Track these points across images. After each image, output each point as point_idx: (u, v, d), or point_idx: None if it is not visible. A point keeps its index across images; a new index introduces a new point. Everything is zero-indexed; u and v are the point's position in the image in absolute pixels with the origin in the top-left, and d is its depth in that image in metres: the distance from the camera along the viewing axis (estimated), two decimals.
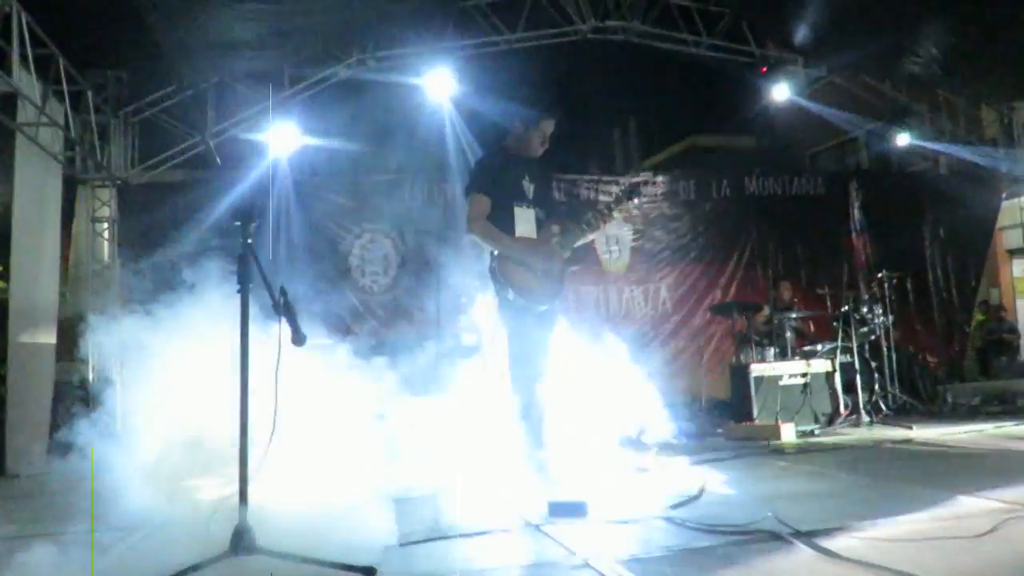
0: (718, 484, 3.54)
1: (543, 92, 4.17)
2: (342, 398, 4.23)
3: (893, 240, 10.55)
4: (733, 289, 9.83)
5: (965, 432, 5.10)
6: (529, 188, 3.87)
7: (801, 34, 10.62)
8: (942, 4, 8.94)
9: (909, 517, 2.59)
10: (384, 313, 9.16)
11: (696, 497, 3.21)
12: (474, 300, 6.00)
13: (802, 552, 2.24)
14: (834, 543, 2.28)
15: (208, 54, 7.86)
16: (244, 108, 8.79)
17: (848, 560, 2.09)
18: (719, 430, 5.54)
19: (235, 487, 2.41)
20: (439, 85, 9.02)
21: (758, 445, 4.90)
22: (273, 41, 8.15)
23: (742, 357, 6.67)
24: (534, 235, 3.80)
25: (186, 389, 3.86)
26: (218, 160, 8.72)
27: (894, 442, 4.88)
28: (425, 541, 2.63)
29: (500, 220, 3.75)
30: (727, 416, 6.02)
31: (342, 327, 8.22)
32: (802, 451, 4.61)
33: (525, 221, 3.80)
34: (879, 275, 7.18)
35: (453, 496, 3.37)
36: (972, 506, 2.73)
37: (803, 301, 8.07)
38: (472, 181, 3.89)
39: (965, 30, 9.29)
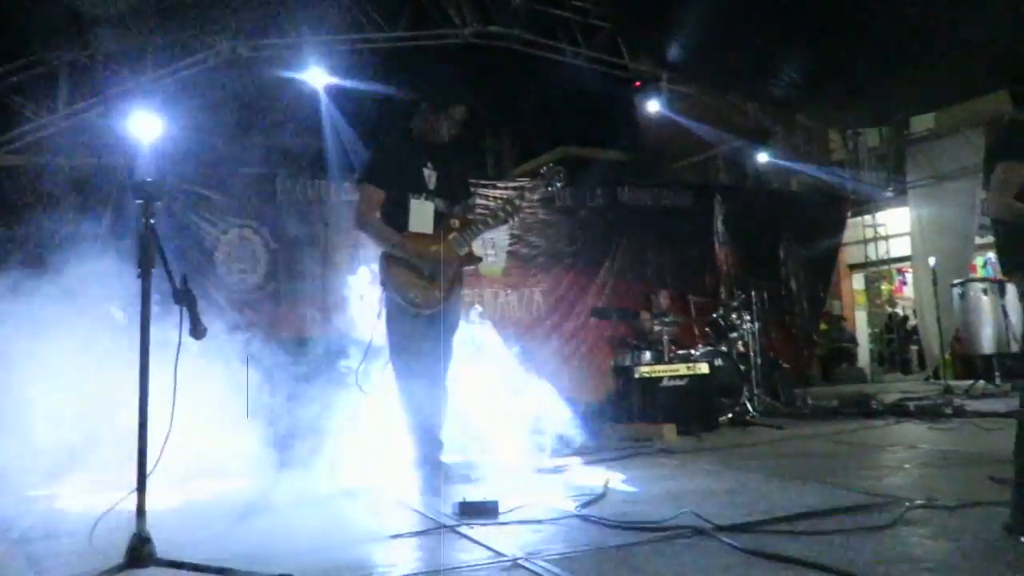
0: (619, 483, 3.55)
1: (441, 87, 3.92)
2: (221, 398, 3.99)
3: (752, 252, 11.08)
4: (604, 296, 10.03)
5: (840, 431, 5.38)
6: (430, 177, 3.66)
7: (672, 52, 11.03)
8: (801, 35, 9.50)
9: (814, 511, 2.66)
10: (251, 312, 8.72)
11: (602, 496, 3.20)
12: (350, 298, 5.83)
13: (727, 546, 2.25)
14: (756, 539, 2.31)
15: (63, 27, 7.25)
16: (103, 90, 8.16)
17: (775, 558, 2.11)
18: (604, 431, 5.59)
19: (111, 494, 2.19)
20: (314, 79, 8.74)
21: (644, 445, 4.98)
22: (136, 19, 7.62)
23: (622, 360, 6.79)
24: (430, 229, 3.61)
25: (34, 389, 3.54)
26: (71, 144, 8.05)
27: (772, 440, 5.09)
28: (333, 548, 2.47)
29: (393, 213, 3.56)
30: (607, 418, 6.08)
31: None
32: (688, 451, 4.71)
33: (421, 215, 3.59)
34: (748, 283, 7.49)
35: (360, 498, 3.21)
36: (866, 499, 2.84)
37: (676, 307, 8.32)
38: (363, 170, 3.67)
39: (822, 60, 9.90)
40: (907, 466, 3.75)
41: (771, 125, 13.41)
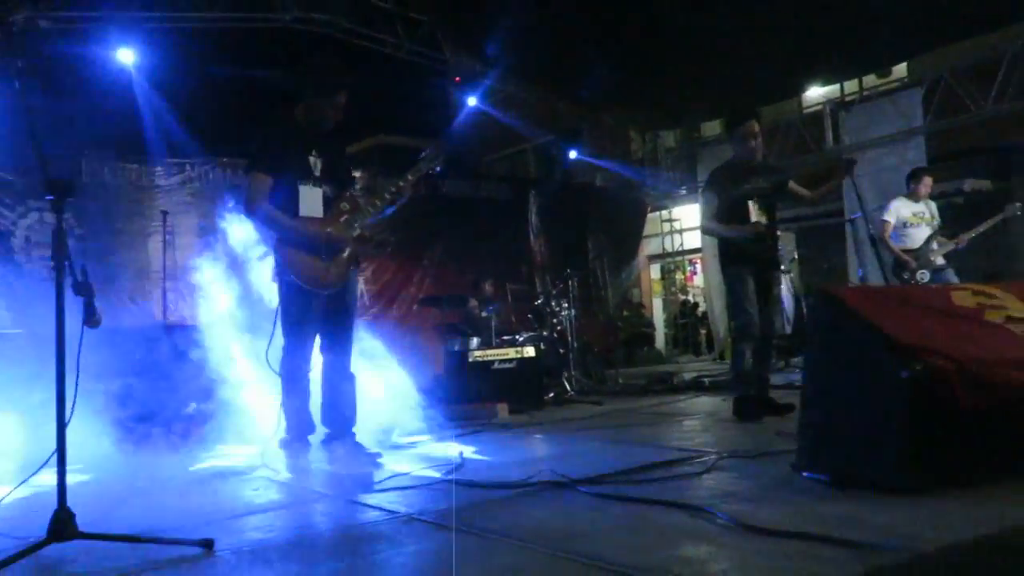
0: (472, 454, 3.93)
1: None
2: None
3: (564, 244, 11.85)
4: (427, 284, 10.38)
5: (650, 404, 6.08)
6: (316, 164, 3.77)
7: (490, 49, 11.52)
8: (609, 41, 10.29)
9: (646, 464, 3.18)
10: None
11: (461, 465, 3.57)
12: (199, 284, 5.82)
13: (584, 494, 2.69)
14: (606, 488, 2.77)
15: None
16: None
17: (622, 499, 2.57)
18: (442, 411, 5.94)
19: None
20: (123, 56, 8.39)
21: (483, 423, 5.40)
22: None
23: (452, 345, 7.18)
24: (320, 214, 3.73)
25: None
26: None
27: (594, 414, 5.69)
28: (246, 515, 2.67)
29: (283, 199, 3.65)
30: (442, 399, 6.44)
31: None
32: (523, 425, 5.19)
33: (310, 200, 3.70)
34: (566, 273, 8.12)
35: (237, 476, 3.36)
36: (684, 454, 3.41)
37: (498, 295, 8.81)
38: (252, 159, 3.73)
39: (626, 65, 10.76)
40: (711, 429, 4.43)
41: (580, 123, 14.28)
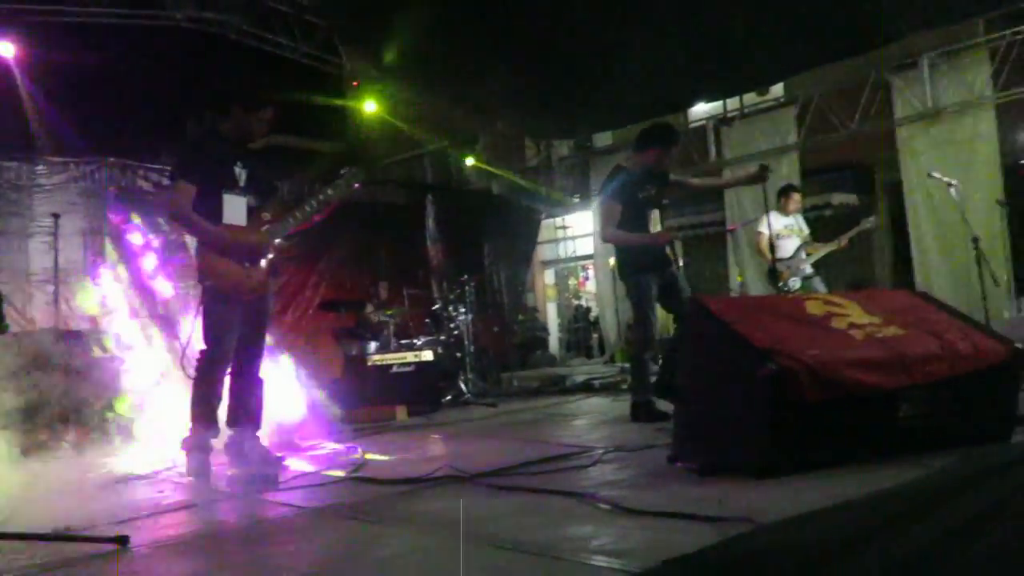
0: (374, 454, 4.09)
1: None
2: None
3: (460, 249, 12.06)
4: (324, 287, 10.39)
5: (544, 405, 6.36)
6: (241, 174, 3.87)
7: (387, 56, 11.62)
8: (505, 50, 10.57)
9: (539, 459, 3.44)
10: None
11: (363, 464, 3.74)
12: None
13: (482, 486, 2.92)
14: (503, 480, 3.00)
15: None
16: None
17: (516, 489, 2.81)
18: (342, 414, 6.05)
19: None
20: (2, 49, 8.11)
21: (382, 425, 5.55)
22: None
23: (350, 349, 7.29)
24: (243, 223, 3.83)
25: None
26: None
27: (491, 415, 5.93)
28: (156, 515, 2.76)
29: (207, 208, 3.73)
30: (340, 402, 6.54)
31: None
32: (422, 426, 5.38)
33: (234, 209, 3.80)
34: (463, 278, 8.34)
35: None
36: (573, 449, 3.68)
37: (395, 300, 8.94)
38: (177, 167, 3.84)
39: (521, 75, 11.05)
40: (599, 427, 4.73)
41: (476, 131, 14.55)
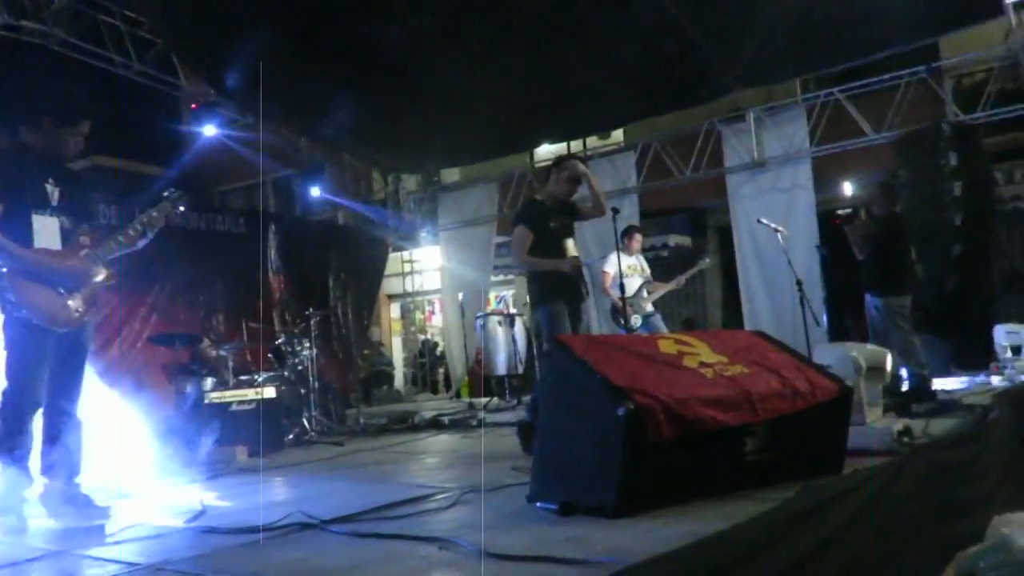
0: (214, 499, 3.81)
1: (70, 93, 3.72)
2: None
3: (304, 280, 11.72)
4: (154, 321, 9.74)
5: (392, 443, 6.20)
6: (53, 193, 3.50)
7: (228, 81, 11.21)
8: (351, 82, 10.44)
9: (393, 502, 3.32)
10: None
11: (202, 512, 3.46)
12: None
13: (335, 534, 2.77)
14: (358, 526, 2.87)
15: None
16: None
17: (374, 535, 2.69)
18: (175, 456, 5.63)
19: None
20: None
21: (220, 467, 5.21)
22: None
23: (183, 386, 6.83)
24: (58, 246, 3.47)
25: None
26: None
27: (338, 455, 5.71)
28: None
29: (15, 229, 3.35)
30: (172, 444, 6.10)
31: None
32: (266, 468, 5.09)
33: (47, 231, 3.44)
34: (307, 312, 8.06)
35: None
36: (428, 490, 3.59)
37: (234, 334, 8.51)
38: None
39: (368, 108, 10.98)
40: (452, 465, 4.66)
41: (322, 160, 14.25)
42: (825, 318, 8.73)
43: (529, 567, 2.19)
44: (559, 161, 5.18)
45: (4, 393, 3.40)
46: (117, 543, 2.89)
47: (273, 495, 3.98)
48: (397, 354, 16.32)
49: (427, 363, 15.62)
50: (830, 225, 10.43)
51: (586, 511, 2.77)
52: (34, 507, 3.48)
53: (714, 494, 2.87)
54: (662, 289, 8.10)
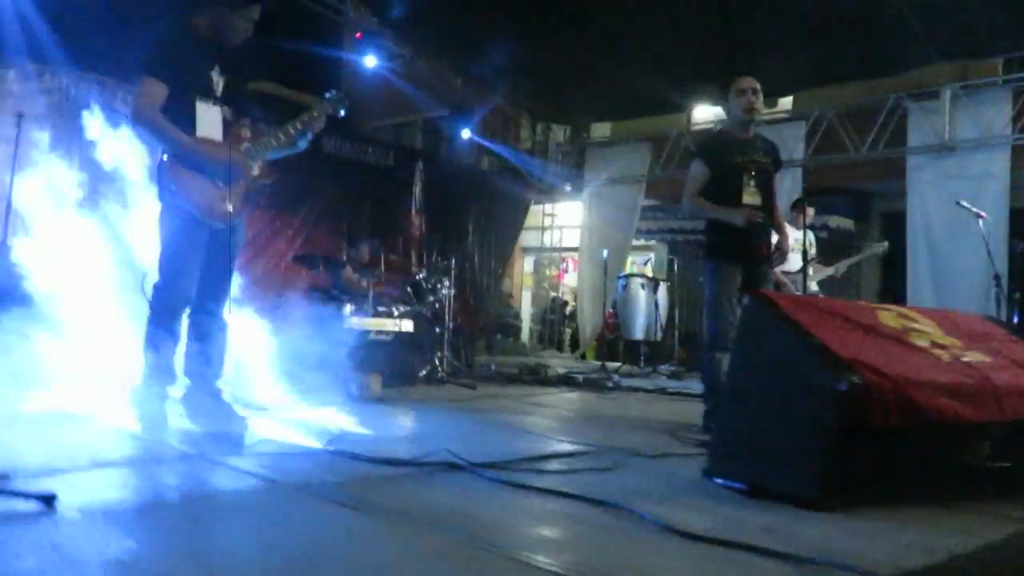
0: (352, 426, 3.60)
1: None
2: None
3: (445, 222, 11.59)
4: (299, 242, 9.83)
5: (525, 394, 5.91)
6: (219, 81, 3.30)
7: (394, 10, 11.07)
8: (515, 24, 10.09)
9: (544, 455, 3.00)
10: None
11: (341, 436, 3.25)
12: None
13: (485, 479, 2.47)
14: (507, 475, 2.55)
15: None
16: None
17: (530, 488, 2.37)
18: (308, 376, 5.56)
19: None
20: None
21: (356, 393, 5.06)
22: None
23: (326, 310, 6.76)
24: (219, 137, 3.27)
25: None
26: None
27: (471, 397, 5.47)
28: (92, 468, 2.27)
29: (178, 114, 3.16)
30: (309, 365, 6.03)
31: None
32: (400, 400, 4.90)
33: (210, 120, 3.24)
34: (448, 254, 7.87)
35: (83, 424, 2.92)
36: (582, 448, 3.25)
37: (376, 265, 8.43)
38: (147, 60, 3.18)
39: (528, 53, 10.62)
40: (596, 425, 4.28)
41: (474, 102, 14.01)
42: (1016, 320, 7.78)
43: (723, 553, 1.81)
44: (724, 80, 4.29)
45: (156, 287, 3.26)
46: (255, 455, 2.70)
47: (411, 428, 3.76)
48: (525, 308, 16.07)
49: (555, 320, 15.30)
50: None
51: (777, 497, 2.35)
52: (175, 405, 3.37)
53: (927, 499, 2.39)
54: (824, 272, 7.40)
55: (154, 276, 3.29)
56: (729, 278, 4.10)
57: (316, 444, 2.98)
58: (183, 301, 3.27)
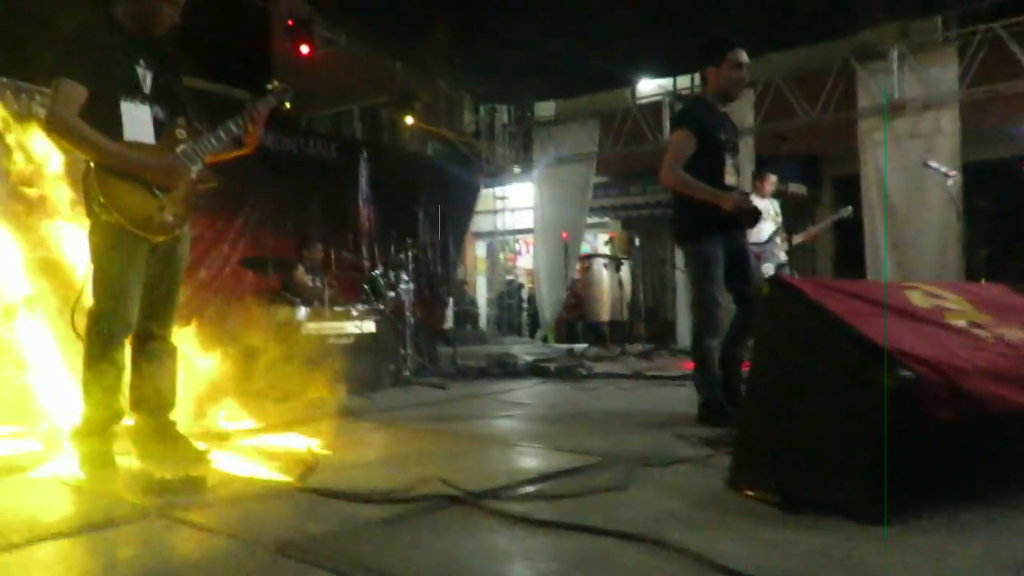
0: (323, 448, 3.25)
1: None
2: None
3: (394, 213, 11.19)
4: (243, 244, 9.35)
5: (498, 391, 5.61)
6: (145, 77, 2.90)
7: None
8: (454, 5, 9.71)
9: (547, 473, 2.71)
10: None
11: (315, 465, 2.89)
12: None
13: (494, 515, 2.16)
14: (513, 505, 2.25)
15: None
16: None
17: (550, 525, 2.06)
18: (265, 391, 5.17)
19: None
20: None
21: (320, 406, 4.70)
22: None
23: (276, 314, 6.35)
24: (151, 140, 2.88)
25: None
26: None
27: (443, 400, 5.15)
28: (28, 543, 1.90)
29: (102, 119, 2.75)
30: (263, 378, 5.64)
31: None
32: (370, 412, 4.55)
33: (139, 121, 2.84)
34: (405, 244, 7.50)
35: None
36: (584, 460, 2.96)
37: (327, 263, 8.02)
38: (58, 59, 2.77)
39: (466, 30, 10.25)
40: (588, 426, 3.97)
41: (414, 87, 13.58)
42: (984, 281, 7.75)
43: None
44: (716, 47, 3.93)
45: (90, 314, 2.85)
46: (223, 503, 2.34)
47: (390, 447, 3.43)
48: (481, 294, 15.76)
49: (513, 305, 15.02)
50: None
51: (818, 507, 2.10)
52: (123, 443, 2.98)
53: (986, 501, 2.17)
54: (796, 238, 7.26)
55: (88, 301, 2.89)
56: (715, 260, 3.90)
57: (287, 479, 2.64)
58: (122, 328, 2.87)
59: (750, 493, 2.28)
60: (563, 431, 3.84)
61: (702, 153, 3.87)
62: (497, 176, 13.66)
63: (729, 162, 3.97)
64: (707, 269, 3.89)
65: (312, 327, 5.66)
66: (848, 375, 2.09)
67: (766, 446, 2.30)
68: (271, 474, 2.77)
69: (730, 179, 3.97)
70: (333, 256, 8.10)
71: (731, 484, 2.37)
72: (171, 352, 3.11)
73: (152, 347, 3.02)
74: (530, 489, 2.45)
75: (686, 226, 4.01)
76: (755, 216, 3.90)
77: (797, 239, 7.21)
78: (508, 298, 15.03)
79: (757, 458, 2.32)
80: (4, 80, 6.90)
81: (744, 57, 3.92)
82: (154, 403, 3.02)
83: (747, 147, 10.76)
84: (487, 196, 14.21)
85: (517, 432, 3.87)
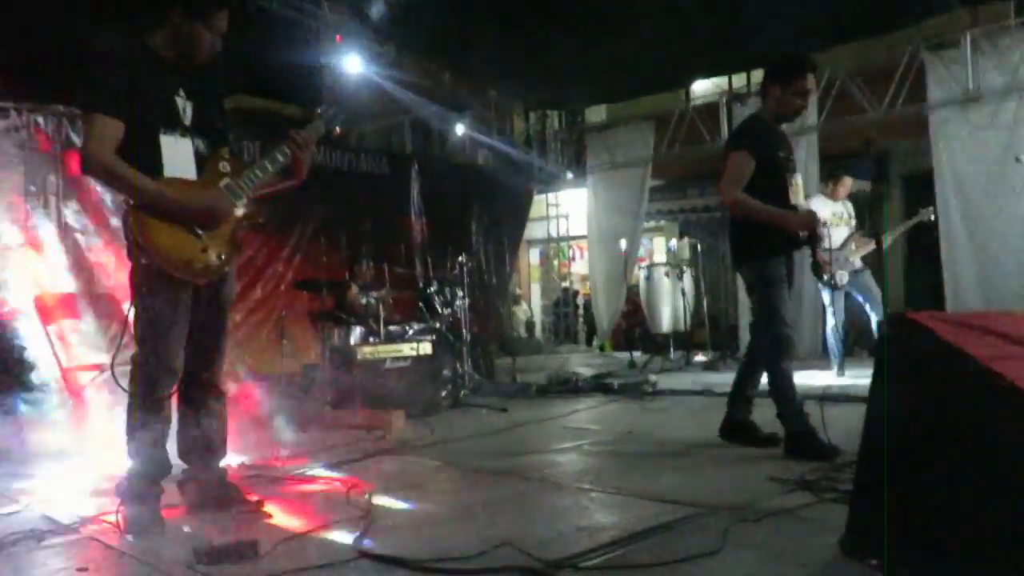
0: (383, 496, 3.02)
1: None
2: None
3: (445, 224, 11.01)
4: (296, 263, 9.26)
5: (562, 413, 5.32)
6: (185, 108, 2.74)
7: (374, 9, 10.47)
8: (500, 12, 9.51)
9: (633, 532, 2.43)
10: None
11: (373, 521, 2.66)
12: None
13: None
14: None
15: None
16: None
17: None
18: (322, 418, 4.99)
19: None
20: None
21: (374, 438, 4.49)
22: None
23: (331, 337, 6.18)
24: (192, 176, 2.72)
25: None
26: None
27: (507, 427, 4.88)
28: None
29: (138, 153, 2.59)
30: (315, 400, 5.46)
31: None
32: (428, 444, 4.32)
33: (179, 156, 2.68)
34: (460, 259, 7.30)
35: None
36: (671, 511, 2.68)
37: (380, 280, 7.86)
38: (90, 93, 2.62)
39: (515, 40, 10.05)
40: (669, 463, 3.66)
41: (466, 97, 13.43)
42: None
43: None
44: (786, 68, 3.76)
45: (134, 361, 2.68)
46: (271, 572, 2.12)
47: (454, 492, 3.18)
48: (535, 302, 15.49)
49: (569, 312, 14.70)
50: None
51: None
52: (171, 496, 2.80)
53: None
54: (867, 246, 6.83)
55: (132, 347, 2.71)
56: (780, 280, 3.75)
57: (345, 540, 2.41)
58: (168, 376, 2.68)
59: (874, 563, 1.97)
60: (639, 468, 3.55)
61: (763, 173, 3.71)
62: (550, 184, 13.43)
63: (791, 181, 3.83)
64: (775, 291, 3.73)
65: (368, 352, 5.46)
66: (1005, 438, 1.76)
67: (894, 507, 1.98)
68: (327, 531, 2.55)
69: (794, 199, 3.82)
70: (387, 271, 7.94)
71: (846, 549, 2.07)
72: (220, 398, 2.92)
73: (201, 393, 2.85)
74: (614, 554, 2.18)
75: (750, 249, 3.82)
76: (819, 238, 3.97)
77: (888, 240, 6.77)
78: (564, 305, 14.71)
79: (881, 520, 2.01)
80: (62, 109, 6.84)
81: (811, 84, 3.79)
82: (204, 452, 2.84)
83: (811, 145, 10.36)
84: (539, 202, 13.96)
85: (589, 471, 3.57)
